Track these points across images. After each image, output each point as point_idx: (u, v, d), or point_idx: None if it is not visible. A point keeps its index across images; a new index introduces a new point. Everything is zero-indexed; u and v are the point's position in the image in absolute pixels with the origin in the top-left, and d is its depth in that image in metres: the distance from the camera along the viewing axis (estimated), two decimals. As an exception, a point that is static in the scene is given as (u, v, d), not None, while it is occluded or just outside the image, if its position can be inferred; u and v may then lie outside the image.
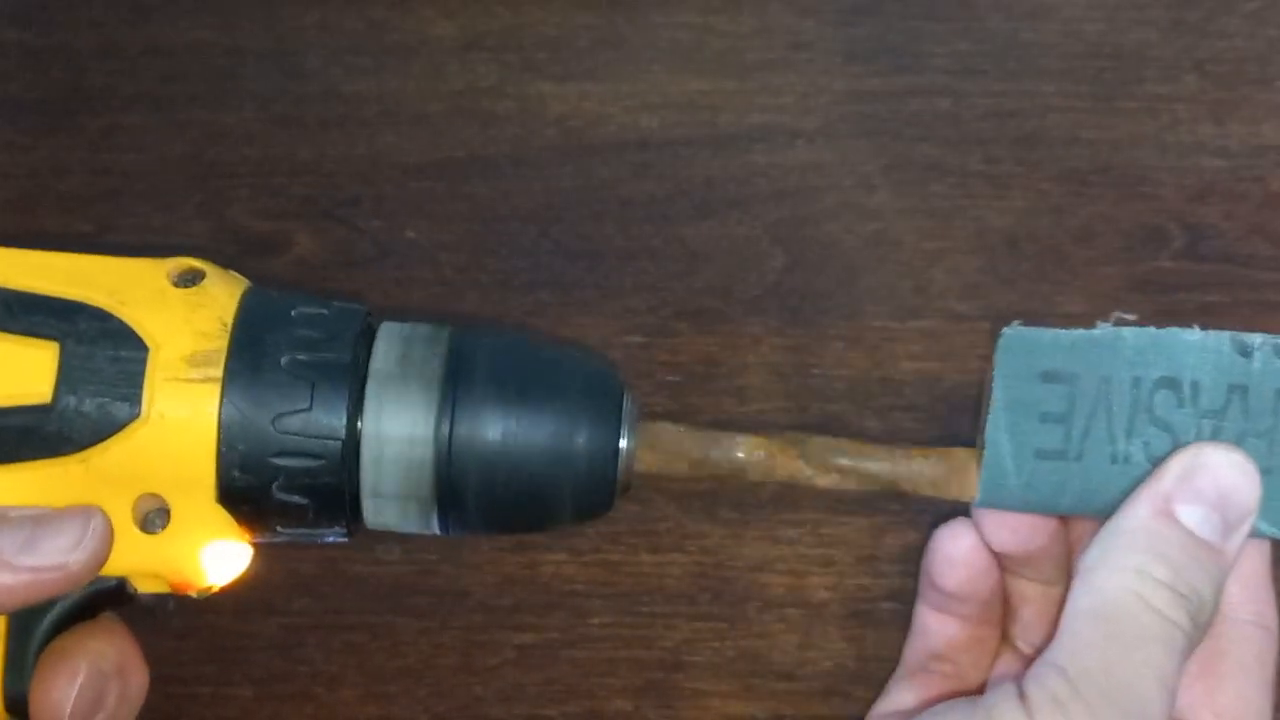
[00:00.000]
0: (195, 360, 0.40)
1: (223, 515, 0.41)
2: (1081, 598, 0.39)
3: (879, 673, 0.55)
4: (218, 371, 0.40)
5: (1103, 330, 0.41)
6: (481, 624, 0.55)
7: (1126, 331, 0.41)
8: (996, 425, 0.41)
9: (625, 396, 0.42)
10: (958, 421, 0.56)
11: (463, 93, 0.60)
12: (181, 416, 0.40)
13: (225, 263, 0.43)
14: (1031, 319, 0.57)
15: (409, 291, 0.58)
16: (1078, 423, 0.41)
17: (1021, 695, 0.38)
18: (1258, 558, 0.43)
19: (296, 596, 0.55)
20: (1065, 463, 0.41)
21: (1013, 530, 0.44)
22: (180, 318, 0.41)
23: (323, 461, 0.40)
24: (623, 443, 0.41)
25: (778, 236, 0.58)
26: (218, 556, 0.42)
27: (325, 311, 0.41)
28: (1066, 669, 0.38)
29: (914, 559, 0.55)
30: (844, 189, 0.59)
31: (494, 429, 0.40)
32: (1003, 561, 0.45)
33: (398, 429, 0.40)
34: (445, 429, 0.40)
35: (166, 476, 0.40)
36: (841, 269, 0.58)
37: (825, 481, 0.43)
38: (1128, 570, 0.39)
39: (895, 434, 0.57)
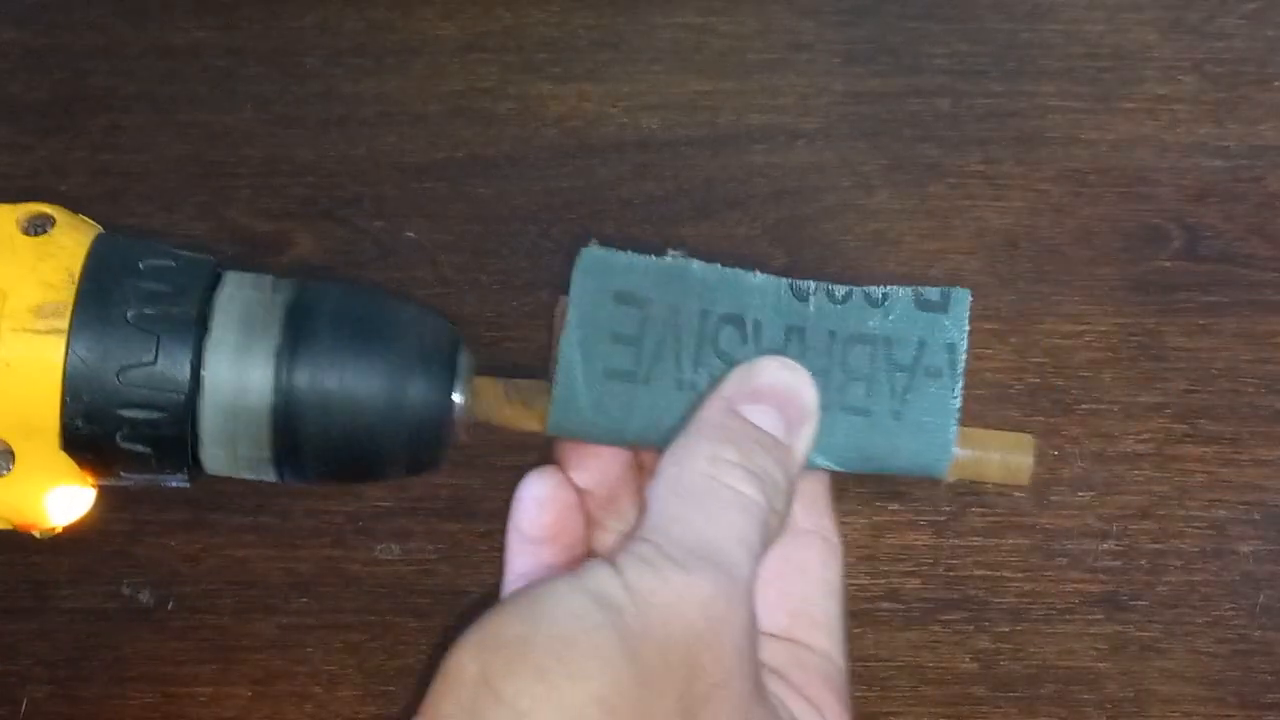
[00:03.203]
0: (42, 311, 0.41)
1: (66, 462, 0.41)
2: (659, 486, 0.40)
3: (879, 673, 0.55)
4: (63, 323, 0.41)
5: (674, 259, 0.43)
6: (481, 624, 0.55)
7: (695, 265, 0.42)
8: (570, 342, 0.42)
9: (460, 351, 0.43)
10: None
11: (463, 93, 0.60)
12: (27, 366, 0.41)
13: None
14: (1031, 319, 0.58)
15: (409, 291, 0.58)
16: (648, 346, 0.42)
17: (613, 564, 0.38)
18: (818, 483, 0.45)
19: (296, 596, 0.55)
20: (634, 385, 0.42)
21: (594, 456, 0.44)
22: (28, 267, 0.41)
23: (166, 414, 0.41)
24: (456, 396, 0.42)
25: (778, 236, 0.58)
26: (61, 500, 0.43)
27: (173, 264, 0.42)
28: (651, 538, 0.39)
29: (914, 559, 0.56)
30: (844, 189, 0.59)
31: (330, 382, 0.41)
32: (589, 512, 0.45)
33: (237, 381, 0.41)
34: (283, 381, 0.41)
35: (11, 423, 0.41)
36: (841, 269, 0.58)
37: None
38: (700, 457, 0.40)
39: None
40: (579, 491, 0.45)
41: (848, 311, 0.43)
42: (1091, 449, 0.56)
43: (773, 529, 0.40)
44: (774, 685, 0.41)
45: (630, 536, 0.39)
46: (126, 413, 0.41)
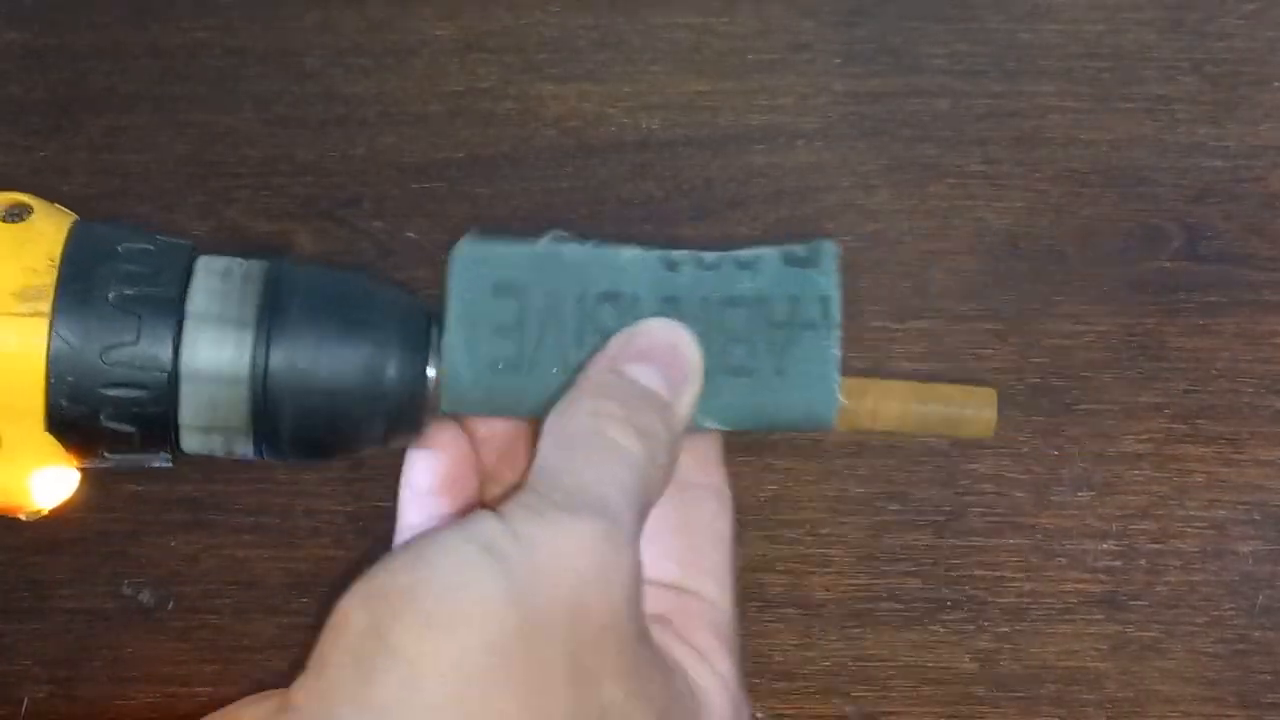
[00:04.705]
0: (24, 295, 0.41)
1: (51, 443, 0.42)
2: (545, 441, 0.41)
3: (879, 673, 0.55)
4: (46, 306, 0.41)
5: (546, 246, 0.43)
6: (481, 624, 0.55)
7: (567, 248, 0.43)
8: (453, 340, 0.42)
9: (433, 327, 0.43)
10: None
11: (463, 93, 0.60)
12: (11, 349, 0.41)
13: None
14: (1031, 319, 0.58)
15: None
16: (530, 334, 0.43)
17: (498, 513, 0.39)
18: (709, 439, 0.45)
19: (296, 596, 0.55)
20: (519, 373, 0.43)
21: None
22: (8, 253, 0.42)
23: (149, 392, 0.41)
24: (430, 371, 0.43)
25: (778, 236, 0.58)
26: (46, 481, 0.43)
27: (151, 247, 0.43)
28: (536, 487, 0.39)
29: (914, 559, 0.56)
30: (843, 189, 0.59)
31: (306, 359, 0.42)
32: (483, 466, 0.46)
33: (215, 359, 0.42)
34: (260, 359, 0.42)
35: None
36: (841, 269, 0.58)
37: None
38: (583, 412, 0.41)
39: (896, 432, 0.57)
40: (473, 444, 0.45)
41: (720, 277, 0.43)
42: (1091, 449, 0.56)
43: (655, 482, 0.41)
44: (659, 633, 0.42)
45: (516, 487, 0.40)
46: (110, 392, 0.41)
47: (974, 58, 0.60)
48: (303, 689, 0.38)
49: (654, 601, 0.42)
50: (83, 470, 0.44)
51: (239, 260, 0.43)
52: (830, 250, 0.43)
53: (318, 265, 0.44)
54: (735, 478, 0.56)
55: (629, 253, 0.43)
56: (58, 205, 0.44)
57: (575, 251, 0.43)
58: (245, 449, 0.43)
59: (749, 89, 0.60)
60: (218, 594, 0.55)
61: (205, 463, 0.55)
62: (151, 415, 0.42)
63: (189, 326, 0.42)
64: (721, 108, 0.60)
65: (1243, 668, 0.55)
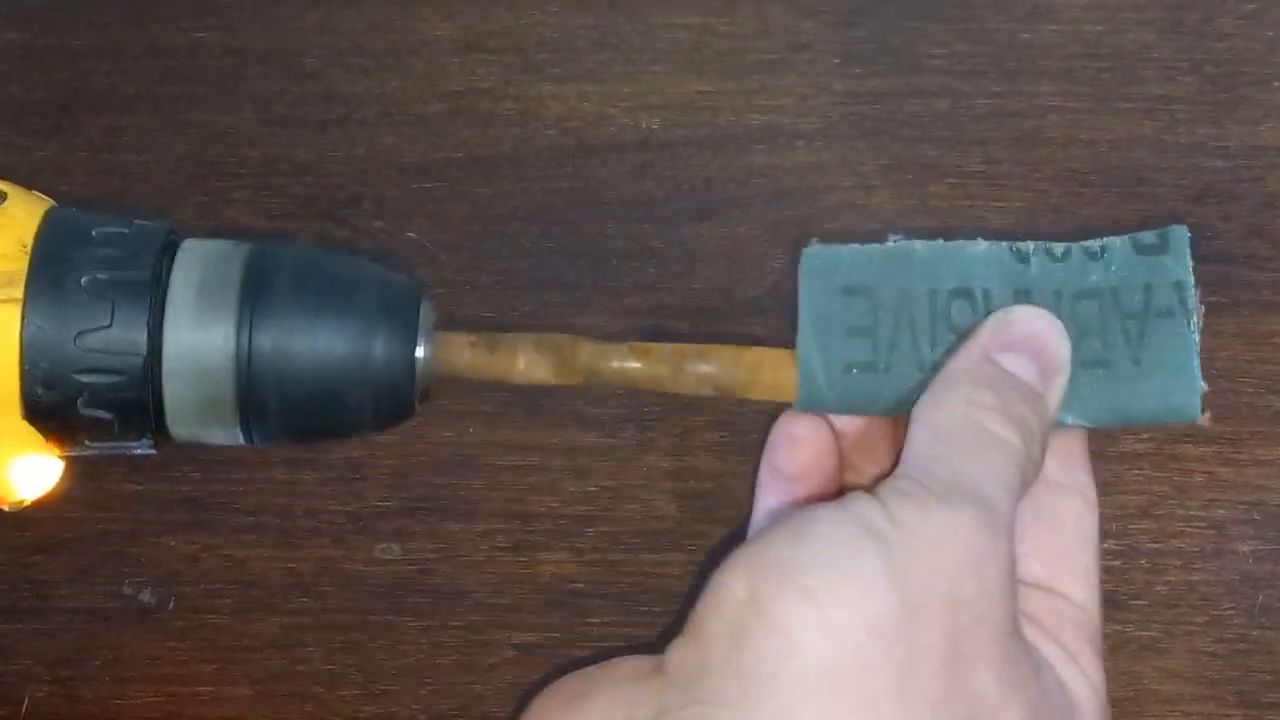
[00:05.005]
0: None
1: (29, 431, 0.42)
2: (918, 431, 0.41)
3: (878, 672, 0.55)
4: (18, 292, 0.41)
5: (895, 244, 0.43)
6: (481, 623, 0.55)
7: (918, 244, 0.43)
8: (806, 343, 0.43)
9: (421, 305, 0.43)
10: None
11: (463, 93, 0.60)
12: None
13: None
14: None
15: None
16: (883, 334, 0.43)
17: (876, 496, 0.39)
18: (1073, 438, 0.45)
19: (296, 596, 0.55)
20: (876, 374, 0.43)
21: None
22: None
23: (125, 377, 0.41)
24: (419, 351, 0.42)
25: (778, 236, 0.58)
26: (27, 471, 0.43)
27: (126, 230, 0.42)
28: (913, 475, 0.40)
29: (913, 559, 0.56)
30: (843, 189, 0.59)
31: (292, 340, 0.42)
32: (844, 454, 0.46)
33: (198, 343, 0.41)
34: (245, 341, 0.41)
35: None
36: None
37: (597, 379, 0.44)
38: (958, 402, 0.41)
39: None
40: (835, 433, 0.46)
41: (1069, 268, 0.43)
42: (1091, 448, 0.56)
43: (1028, 475, 0.41)
44: (1028, 631, 0.42)
45: (889, 475, 0.40)
46: (85, 378, 0.41)
47: (974, 58, 0.60)
48: (678, 651, 0.38)
49: (1023, 600, 0.42)
50: (66, 459, 0.44)
51: (221, 241, 0.43)
52: (1182, 236, 0.43)
53: (301, 245, 0.44)
54: (735, 478, 0.56)
55: (978, 246, 0.43)
56: (35, 192, 0.44)
57: (924, 248, 0.43)
58: (232, 434, 0.43)
59: (749, 89, 0.60)
60: (218, 594, 0.55)
61: (205, 463, 0.56)
62: (129, 401, 0.41)
63: (170, 309, 0.41)
64: (721, 108, 0.60)
65: (1242, 667, 0.55)
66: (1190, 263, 0.44)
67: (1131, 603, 0.55)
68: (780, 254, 0.58)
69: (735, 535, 0.39)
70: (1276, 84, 0.60)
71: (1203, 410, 0.43)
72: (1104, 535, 0.55)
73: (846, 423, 0.46)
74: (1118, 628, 0.55)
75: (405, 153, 0.59)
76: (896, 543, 0.38)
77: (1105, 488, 0.55)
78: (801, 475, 0.45)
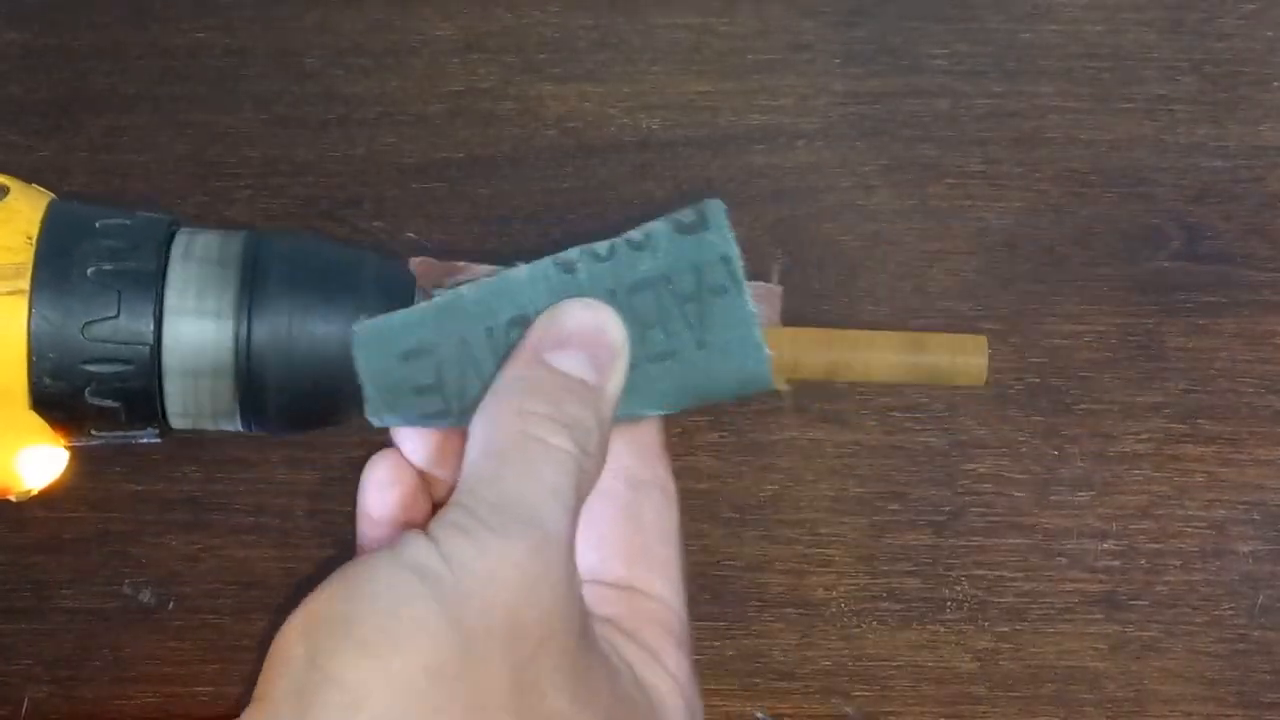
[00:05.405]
0: (3, 273, 0.41)
1: (37, 421, 0.42)
2: (472, 449, 0.40)
3: (879, 673, 0.55)
4: (25, 284, 0.41)
5: (443, 296, 0.43)
6: (481, 623, 0.55)
7: (464, 289, 0.42)
8: (375, 412, 0.42)
9: (416, 292, 0.43)
10: (959, 421, 0.57)
11: (463, 93, 0.60)
12: None
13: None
14: (1030, 319, 0.58)
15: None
16: (450, 386, 0.42)
17: (429, 535, 0.39)
18: (649, 433, 0.45)
19: (296, 596, 0.55)
20: (449, 417, 0.42)
21: (423, 439, 0.45)
22: None
23: (132, 366, 0.41)
24: None
25: (778, 236, 0.58)
26: (34, 461, 0.43)
27: (128, 222, 0.43)
28: (465, 501, 0.39)
29: (914, 559, 0.56)
30: (843, 189, 0.59)
31: (290, 327, 0.42)
32: (436, 490, 0.45)
33: (197, 333, 0.42)
34: (244, 329, 0.42)
35: None
36: (841, 269, 0.58)
37: None
38: (508, 413, 0.40)
39: (896, 432, 0.57)
40: (420, 471, 0.45)
41: (617, 264, 0.42)
42: (1091, 449, 0.56)
43: (588, 474, 0.40)
44: (608, 634, 0.41)
45: (446, 503, 0.39)
46: (93, 368, 0.41)
47: (974, 58, 0.60)
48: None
49: (601, 603, 0.42)
50: (71, 449, 0.44)
51: (219, 231, 0.43)
52: (717, 208, 0.43)
53: (298, 233, 0.44)
54: (735, 478, 0.56)
55: (523, 271, 0.42)
56: (35, 186, 0.44)
57: (470, 292, 0.42)
58: (233, 421, 0.43)
59: (749, 89, 0.60)
60: (218, 594, 0.55)
61: (206, 462, 0.56)
62: (136, 390, 0.42)
63: (169, 301, 0.42)
64: (721, 108, 0.60)
65: (1242, 667, 0.55)
66: (731, 234, 0.43)
67: (1131, 603, 0.55)
68: (780, 254, 0.58)
69: (316, 578, 0.39)
70: (1276, 84, 0.60)
71: (776, 378, 0.42)
72: (1104, 535, 0.55)
73: (421, 448, 0.45)
74: (1118, 628, 0.55)
75: (405, 153, 0.59)
76: (450, 582, 0.38)
77: (1105, 488, 0.56)
78: (395, 519, 0.45)
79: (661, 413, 0.43)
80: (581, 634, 0.39)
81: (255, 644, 0.55)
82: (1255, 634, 0.55)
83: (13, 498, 0.44)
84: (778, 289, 0.44)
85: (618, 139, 0.59)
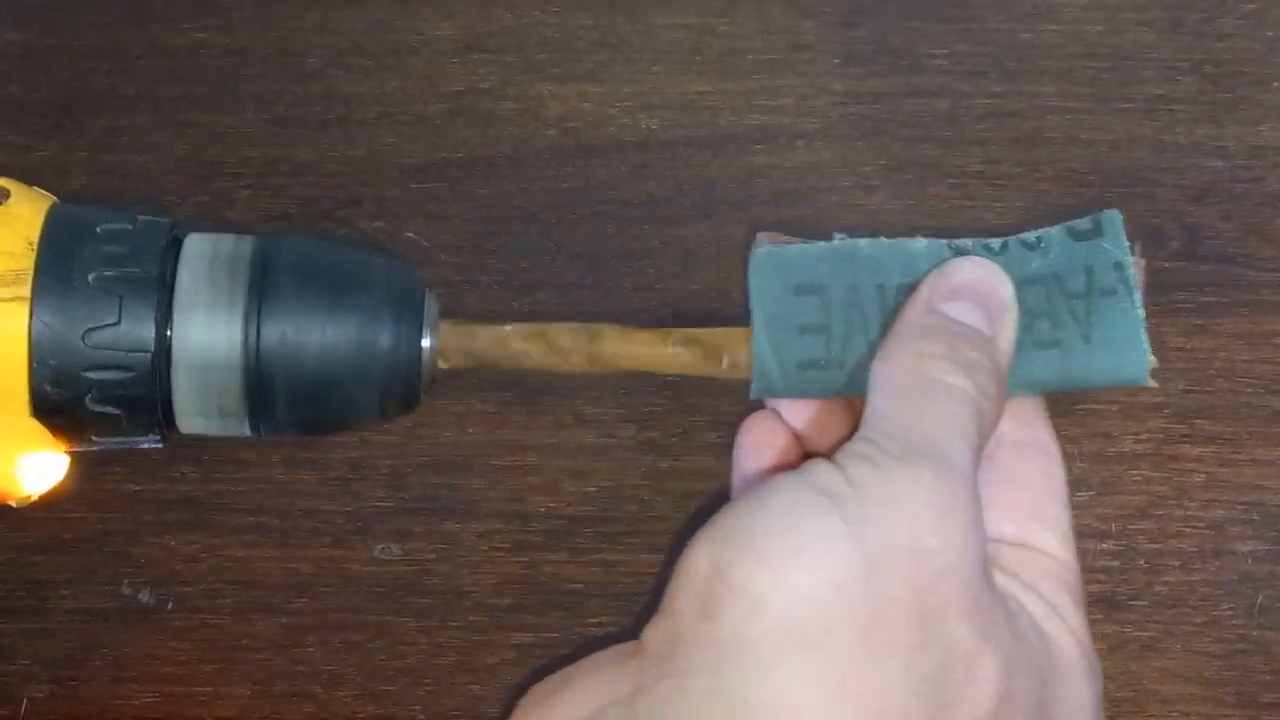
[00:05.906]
0: (3, 280, 0.41)
1: (37, 428, 0.42)
2: (874, 391, 0.42)
3: (878, 672, 0.55)
4: (26, 290, 0.41)
5: (841, 241, 0.44)
6: (481, 624, 0.55)
7: (863, 242, 0.44)
8: (760, 343, 0.43)
9: (426, 296, 0.43)
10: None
11: (463, 93, 0.60)
12: None
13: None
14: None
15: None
16: (836, 330, 0.44)
17: (834, 461, 0.40)
18: (1028, 402, 0.46)
19: (296, 596, 0.56)
20: (829, 369, 0.44)
21: (804, 405, 0.46)
22: None
23: (133, 373, 0.42)
24: (425, 341, 0.43)
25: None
26: (34, 467, 0.43)
27: (130, 227, 0.43)
28: (869, 436, 0.40)
29: (913, 559, 0.56)
30: (843, 189, 0.59)
31: (299, 333, 0.42)
32: (804, 441, 0.47)
33: (206, 338, 0.42)
34: (252, 335, 0.42)
35: None
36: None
37: (593, 365, 0.45)
38: (907, 355, 0.42)
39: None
40: (794, 433, 0.46)
41: (1009, 260, 0.44)
42: (1090, 449, 0.56)
43: (987, 416, 0.41)
44: (1006, 581, 0.42)
45: (848, 441, 0.41)
46: (94, 375, 0.41)
47: (974, 58, 0.60)
48: (652, 630, 0.39)
49: (997, 557, 0.43)
50: (72, 455, 0.44)
51: (226, 236, 0.43)
52: (1115, 219, 0.45)
53: (307, 238, 0.44)
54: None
55: (920, 243, 0.44)
56: (37, 189, 0.44)
57: (868, 245, 0.44)
58: (241, 426, 0.43)
59: (749, 89, 0.60)
60: (218, 594, 0.56)
61: (205, 462, 0.56)
62: (137, 397, 0.42)
63: (177, 304, 0.42)
64: (721, 108, 0.60)
65: (1241, 667, 0.55)
66: (1127, 243, 0.45)
67: (1131, 603, 0.55)
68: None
69: (716, 502, 0.40)
70: (1276, 84, 0.60)
71: (1151, 376, 0.44)
72: (1103, 535, 0.55)
73: (802, 422, 0.46)
74: (1117, 628, 0.55)
75: (405, 153, 0.59)
76: (854, 502, 0.39)
77: (1104, 488, 0.56)
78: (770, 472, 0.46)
79: (1033, 395, 0.44)
80: (982, 570, 0.40)
81: (255, 644, 0.55)
82: (1254, 634, 0.55)
83: (13, 504, 0.44)
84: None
85: (618, 139, 0.60)
